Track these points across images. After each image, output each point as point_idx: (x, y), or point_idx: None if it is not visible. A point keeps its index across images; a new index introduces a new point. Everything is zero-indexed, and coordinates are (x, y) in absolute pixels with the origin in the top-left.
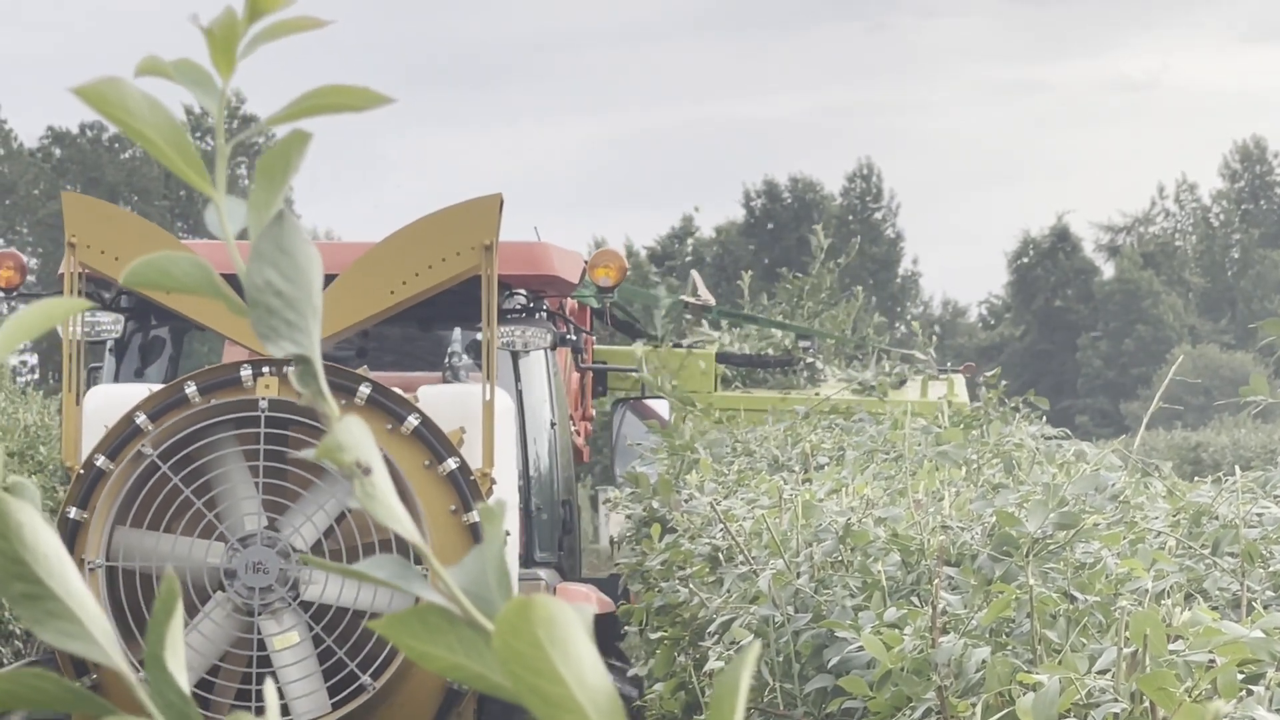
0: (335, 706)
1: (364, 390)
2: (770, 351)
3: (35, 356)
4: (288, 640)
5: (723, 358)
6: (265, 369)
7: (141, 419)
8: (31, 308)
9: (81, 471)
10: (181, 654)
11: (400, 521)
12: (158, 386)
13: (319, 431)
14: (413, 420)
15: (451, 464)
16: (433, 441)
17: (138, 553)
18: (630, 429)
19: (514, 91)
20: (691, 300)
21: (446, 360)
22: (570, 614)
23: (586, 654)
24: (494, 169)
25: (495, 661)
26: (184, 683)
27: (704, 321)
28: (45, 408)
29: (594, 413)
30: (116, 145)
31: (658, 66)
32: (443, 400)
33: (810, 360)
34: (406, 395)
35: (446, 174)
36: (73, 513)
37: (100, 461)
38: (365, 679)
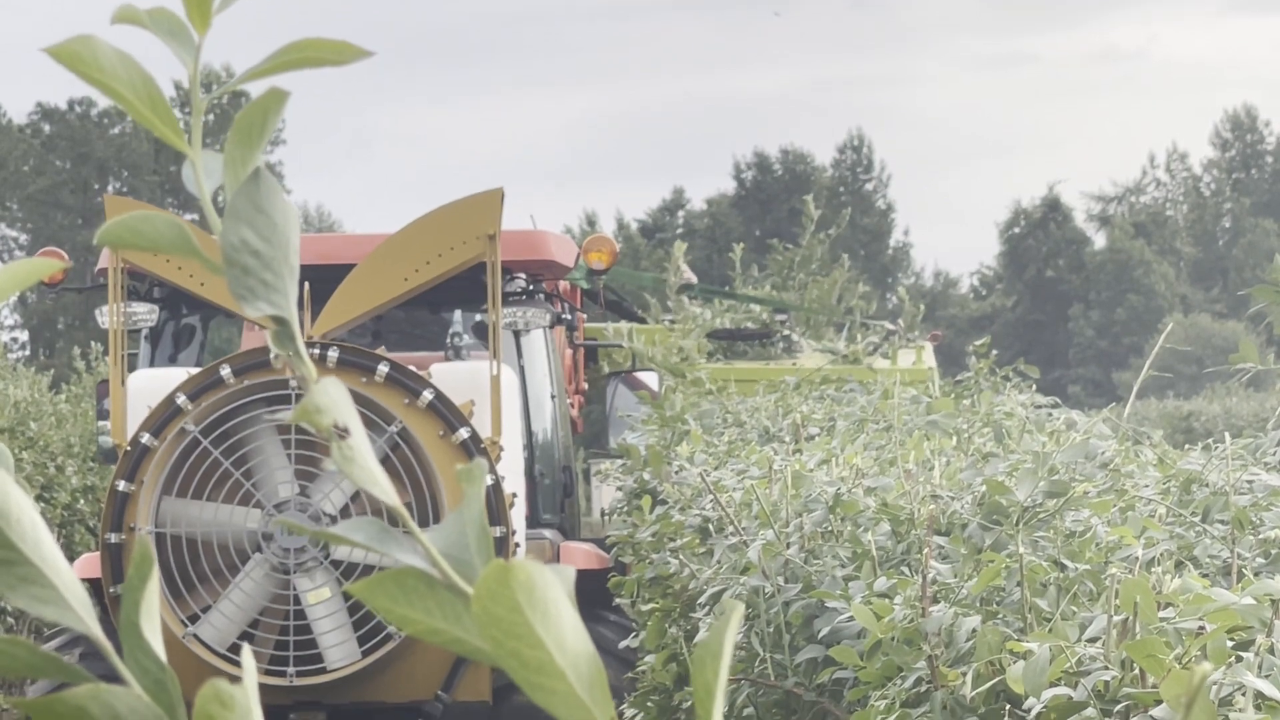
0: (365, 654)
1: (382, 368)
2: (750, 325)
3: (26, 333)
4: (320, 596)
5: (710, 333)
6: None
7: (182, 399)
8: (2, 270)
9: (128, 448)
10: (157, 620)
11: (378, 484)
12: (193, 370)
13: None
14: (427, 395)
15: (464, 433)
16: (446, 413)
17: (183, 520)
18: (623, 401)
19: (501, 66)
20: (675, 280)
21: (448, 340)
22: (550, 577)
23: (567, 617)
24: (482, 144)
25: (474, 625)
26: (159, 648)
27: (687, 299)
28: (36, 383)
29: (586, 386)
30: (105, 121)
31: (645, 41)
32: (453, 376)
33: (786, 333)
34: (420, 372)
35: (435, 149)
36: (121, 485)
37: (145, 439)
38: (392, 628)
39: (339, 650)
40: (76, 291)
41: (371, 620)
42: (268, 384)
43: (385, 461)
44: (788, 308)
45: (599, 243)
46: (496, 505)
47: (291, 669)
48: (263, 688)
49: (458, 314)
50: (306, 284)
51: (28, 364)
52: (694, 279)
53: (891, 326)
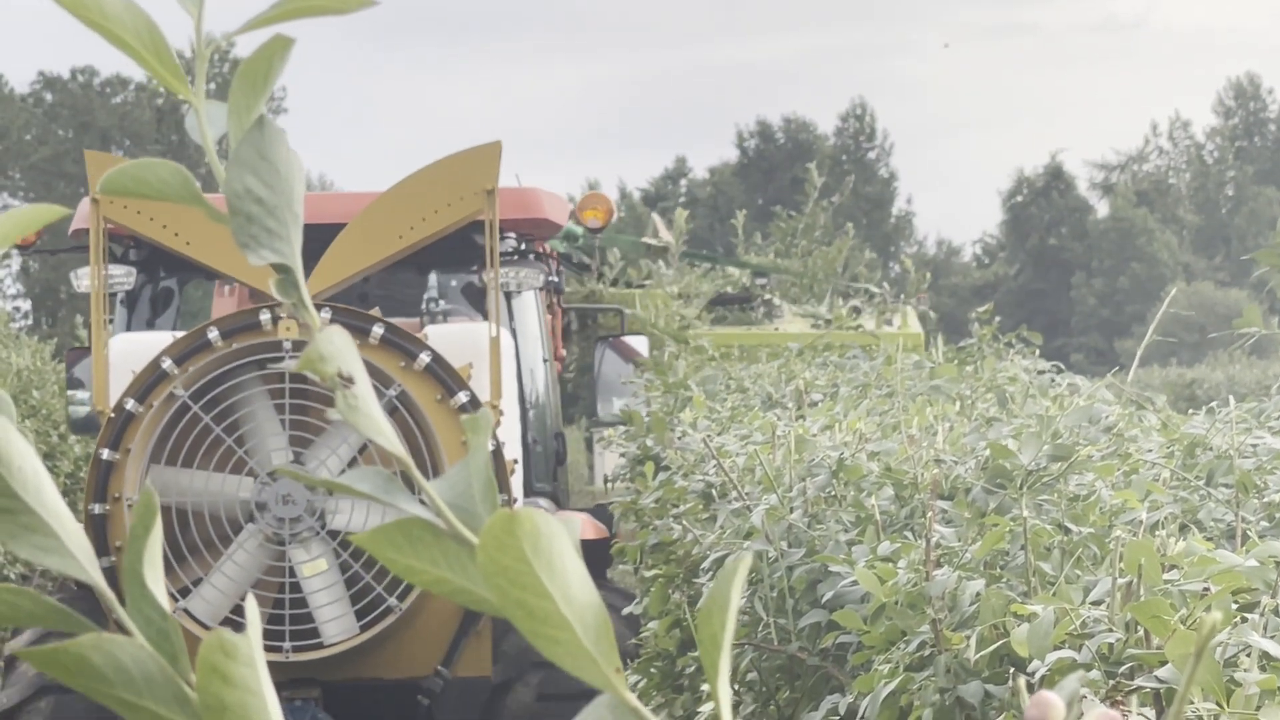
0: (363, 629)
1: (377, 330)
2: (729, 290)
3: (29, 303)
4: (316, 568)
5: (684, 297)
6: (284, 313)
7: (168, 363)
8: (3, 216)
9: (112, 415)
10: (160, 571)
11: (383, 433)
12: (177, 333)
13: None
14: (424, 357)
15: (463, 397)
16: (444, 377)
17: (172, 489)
18: (610, 367)
19: (502, 36)
20: (652, 242)
21: (424, 306)
22: (556, 527)
23: (573, 568)
24: (483, 114)
25: (480, 576)
26: (162, 599)
27: (662, 261)
28: (38, 352)
29: (565, 354)
30: (108, 90)
31: (648, 9)
32: (450, 338)
33: (768, 297)
34: (416, 335)
35: (436, 119)
36: (105, 454)
37: (130, 405)
38: (392, 601)
39: (336, 625)
40: (50, 254)
41: (370, 594)
42: (258, 346)
43: None
44: (766, 271)
45: (594, 200)
46: (498, 472)
47: (287, 644)
48: None
49: (433, 277)
50: None
51: (30, 333)
52: (670, 241)
53: (875, 290)
